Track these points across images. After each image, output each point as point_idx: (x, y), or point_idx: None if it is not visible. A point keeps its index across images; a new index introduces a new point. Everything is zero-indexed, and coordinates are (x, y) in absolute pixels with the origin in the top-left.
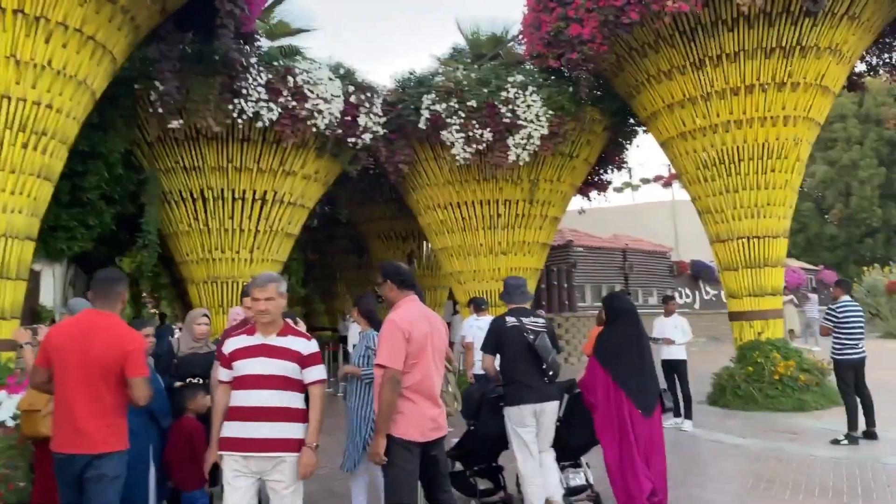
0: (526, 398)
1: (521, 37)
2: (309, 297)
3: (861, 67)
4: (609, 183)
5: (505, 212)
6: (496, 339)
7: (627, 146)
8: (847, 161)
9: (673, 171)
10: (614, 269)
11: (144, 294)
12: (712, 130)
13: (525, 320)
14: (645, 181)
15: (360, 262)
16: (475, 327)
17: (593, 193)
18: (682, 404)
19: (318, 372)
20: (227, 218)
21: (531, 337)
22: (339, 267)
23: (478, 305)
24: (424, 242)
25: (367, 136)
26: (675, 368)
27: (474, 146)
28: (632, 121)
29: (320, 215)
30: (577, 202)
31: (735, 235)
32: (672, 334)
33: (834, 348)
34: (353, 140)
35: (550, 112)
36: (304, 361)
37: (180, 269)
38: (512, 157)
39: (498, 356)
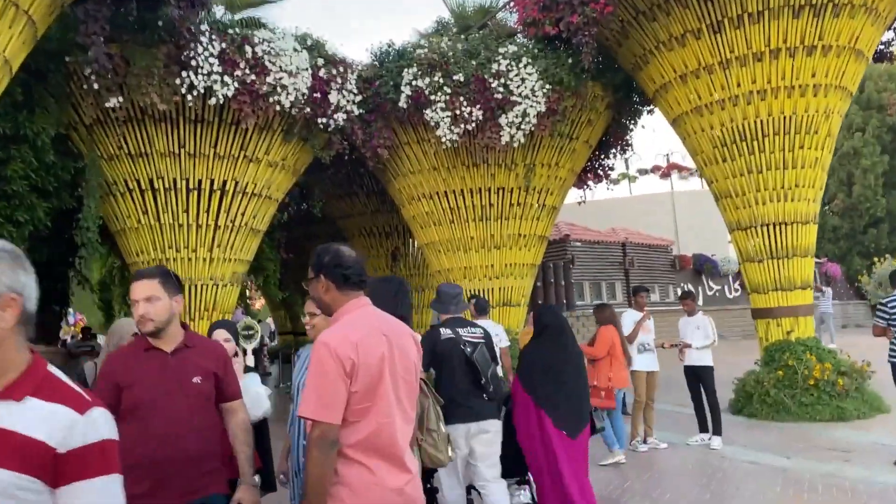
0: (458, 417)
1: (512, 4)
2: (289, 300)
3: (888, 35)
4: (611, 169)
5: (498, 201)
6: (430, 353)
7: (632, 127)
8: (848, 149)
9: (671, 161)
10: (614, 264)
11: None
12: (732, 103)
13: (461, 331)
14: (643, 172)
15: None
16: (500, 334)
17: (594, 181)
18: (708, 418)
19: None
20: (181, 212)
21: (468, 350)
22: None
23: (480, 307)
24: (410, 239)
25: (341, 117)
26: (699, 376)
27: (462, 126)
28: (636, 99)
29: (296, 211)
30: (573, 195)
31: (758, 222)
32: (692, 337)
33: (893, 351)
34: (323, 121)
35: (548, 86)
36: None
37: (131, 271)
38: (505, 139)
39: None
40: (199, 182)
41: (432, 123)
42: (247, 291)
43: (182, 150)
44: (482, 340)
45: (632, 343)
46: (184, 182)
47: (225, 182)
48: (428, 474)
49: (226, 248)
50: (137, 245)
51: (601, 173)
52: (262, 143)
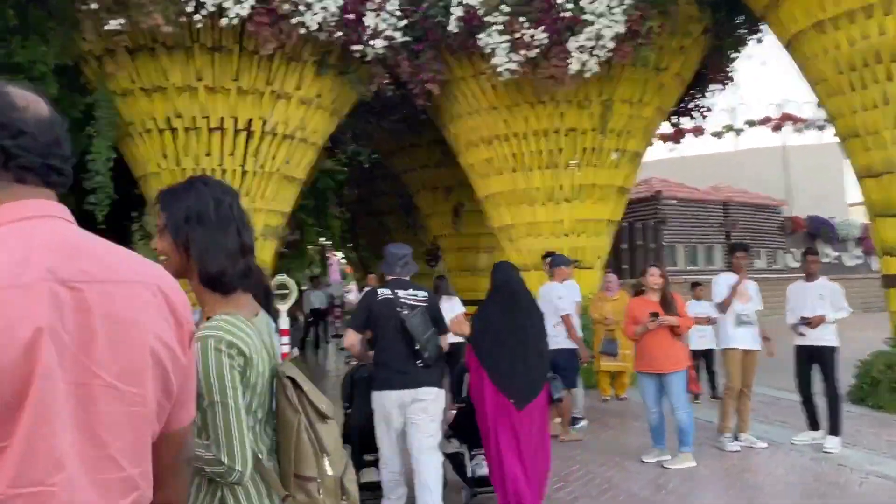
0: (392, 383)
1: None
2: (366, 260)
3: None
4: (708, 110)
5: (568, 146)
6: (365, 314)
7: (734, 56)
8: None
9: (784, 111)
10: (714, 225)
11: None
12: (865, 14)
13: (401, 293)
14: (750, 124)
15: (408, 221)
16: (564, 297)
17: (690, 130)
18: (822, 413)
19: None
20: (202, 155)
21: (405, 312)
22: (389, 228)
23: (556, 262)
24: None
25: (379, 44)
26: (819, 358)
27: (523, 53)
28: (740, 20)
29: (358, 166)
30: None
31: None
32: (813, 308)
33: None
34: (359, 48)
35: (628, 2)
36: None
37: None
38: (575, 67)
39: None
40: (222, 121)
41: (487, 51)
42: (325, 253)
43: (200, 84)
44: (423, 304)
45: (724, 312)
46: (204, 121)
47: (250, 121)
48: (366, 444)
49: (255, 196)
50: None
51: (697, 115)
52: (290, 76)
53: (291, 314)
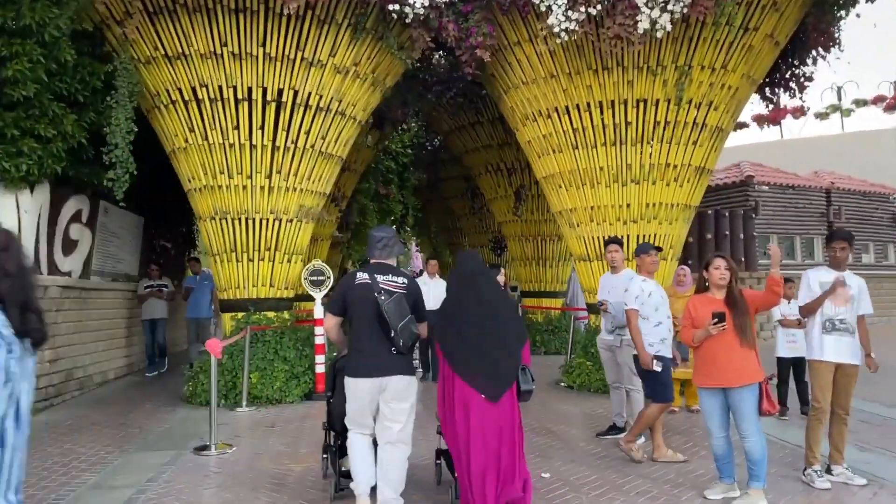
0: (362, 370)
1: None
2: (437, 248)
3: None
4: (809, 80)
5: (637, 119)
6: (342, 299)
7: (840, 17)
8: None
9: None
10: (814, 215)
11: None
12: None
13: (380, 278)
14: (860, 103)
15: (472, 206)
16: (643, 292)
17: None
18: None
19: None
20: (230, 128)
21: (382, 297)
22: (456, 214)
23: (646, 251)
24: None
25: (421, 4)
26: None
27: (583, 10)
28: None
29: (421, 148)
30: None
31: None
32: None
33: None
34: (395, 8)
35: None
36: None
37: (190, 202)
38: (644, 26)
39: None
40: (249, 91)
41: (542, 9)
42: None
43: (224, 50)
44: (402, 290)
45: (806, 316)
46: (230, 90)
47: (280, 91)
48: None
49: (288, 174)
50: (189, 169)
51: (794, 86)
52: (324, 42)
53: None
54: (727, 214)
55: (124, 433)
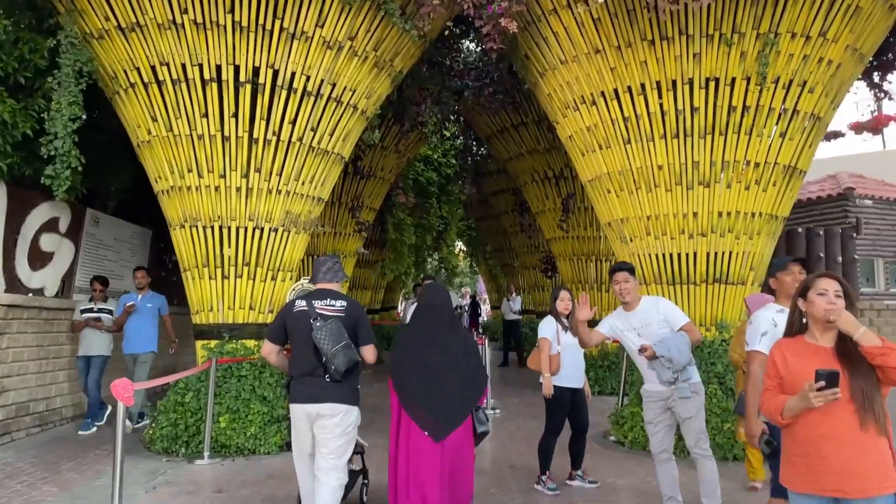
0: (298, 396)
1: None
2: (491, 269)
3: None
4: None
5: (705, 103)
6: (281, 326)
7: None
8: None
9: None
10: None
11: None
12: None
13: (318, 303)
14: None
15: (521, 222)
16: (775, 328)
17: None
18: None
19: None
20: (197, 116)
21: (316, 323)
22: (508, 232)
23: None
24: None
25: None
26: None
27: None
28: None
29: (467, 158)
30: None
31: None
32: None
33: None
34: None
35: None
36: None
37: (161, 203)
38: None
39: None
40: (218, 70)
41: None
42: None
43: (185, 18)
44: (339, 314)
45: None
46: (195, 70)
47: (256, 70)
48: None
49: (269, 174)
50: (154, 167)
51: None
52: (308, 7)
53: None
54: (821, 233)
55: (45, 490)
